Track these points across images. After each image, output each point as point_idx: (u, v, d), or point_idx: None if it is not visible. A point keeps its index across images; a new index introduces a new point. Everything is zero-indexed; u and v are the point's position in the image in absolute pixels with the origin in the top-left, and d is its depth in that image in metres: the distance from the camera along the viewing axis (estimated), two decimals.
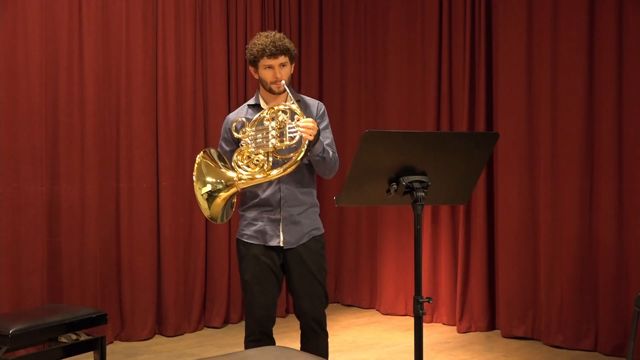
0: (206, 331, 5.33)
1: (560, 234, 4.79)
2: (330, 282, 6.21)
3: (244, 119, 3.12)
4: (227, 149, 3.23)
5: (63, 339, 3.63)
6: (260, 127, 3.04)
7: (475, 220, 5.25)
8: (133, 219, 5.02)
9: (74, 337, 3.65)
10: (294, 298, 3.29)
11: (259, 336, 3.25)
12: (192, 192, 5.36)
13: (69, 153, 4.74)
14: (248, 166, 3.07)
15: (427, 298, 2.55)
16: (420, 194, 2.53)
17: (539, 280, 4.93)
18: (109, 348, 4.67)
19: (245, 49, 3.28)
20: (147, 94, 5.09)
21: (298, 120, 2.99)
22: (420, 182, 2.55)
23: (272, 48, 3.13)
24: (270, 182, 3.16)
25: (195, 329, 5.29)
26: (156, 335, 5.15)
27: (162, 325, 5.17)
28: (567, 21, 4.75)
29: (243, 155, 3.07)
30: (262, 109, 3.17)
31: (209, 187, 3.09)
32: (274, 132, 3.00)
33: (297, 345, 4.81)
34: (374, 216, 5.91)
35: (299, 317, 3.30)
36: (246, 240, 3.24)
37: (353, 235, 6.09)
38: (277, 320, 5.59)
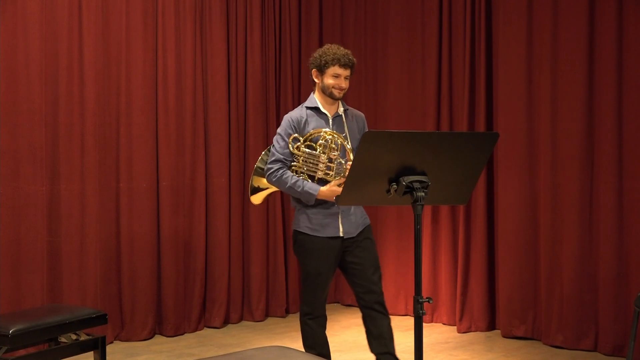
0: (206, 331, 5.33)
1: (560, 234, 4.79)
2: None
3: (299, 137, 3.54)
4: (282, 143, 3.57)
5: (63, 339, 3.63)
6: (313, 153, 3.53)
7: (475, 220, 5.25)
8: (133, 219, 5.02)
9: (74, 337, 3.65)
10: (358, 285, 3.61)
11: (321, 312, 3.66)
12: (192, 192, 5.43)
13: (69, 153, 4.74)
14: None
15: (427, 298, 2.56)
16: (420, 194, 2.54)
17: (539, 280, 4.93)
18: (109, 348, 4.67)
19: (311, 57, 3.65)
20: (147, 94, 5.09)
21: (348, 161, 3.52)
22: (420, 182, 2.55)
23: (346, 60, 3.57)
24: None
25: (195, 329, 5.29)
26: (156, 335, 5.15)
27: (162, 325, 5.17)
28: (567, 21, 4.75)
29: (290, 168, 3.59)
30: (322, 112, 3.62)
31: (260, 183, 3.75)
32: (322, 166, 3.52)
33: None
34: (374, 216, 5.90)
35: (365, 303, 3.60)
36: (309, 233, 3.58)
37: None
38: (277, 320, 5.64)
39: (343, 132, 3.62)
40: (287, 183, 3.54)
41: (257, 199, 3.84)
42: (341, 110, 3.67)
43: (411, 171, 2.56)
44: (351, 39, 6.11)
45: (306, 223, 3.59)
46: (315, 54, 3.64)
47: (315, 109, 3.63)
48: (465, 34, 5.30)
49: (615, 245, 4.55)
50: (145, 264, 5.06)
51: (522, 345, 4.88)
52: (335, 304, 6.16)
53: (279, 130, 3.63)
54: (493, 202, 5.23)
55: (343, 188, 2.65)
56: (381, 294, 3.63)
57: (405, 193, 2.56)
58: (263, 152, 3.75)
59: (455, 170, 2.66)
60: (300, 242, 3.63)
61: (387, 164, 2.53)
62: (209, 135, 5.42)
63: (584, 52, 4.67)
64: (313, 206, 3.57)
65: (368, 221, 3.71)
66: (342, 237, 3.58)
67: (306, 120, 3.59)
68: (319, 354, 3.60)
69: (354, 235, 3.60)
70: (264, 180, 3.69)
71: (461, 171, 2.68)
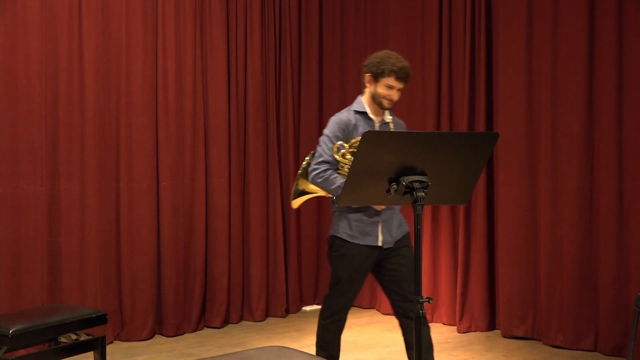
0: (206, 331, 5.33)
1: (560, 234, 4.79)
2: None
3: (344, 144, 3.45)
4: (331, 145, 3.50)
5: (63, 339, 3.63)
6: None
7: (475, 220, 5.25)
8: (133, 219, 5.02)
9: (74, 337, 3.65)
10: (395, 293, 3.54)
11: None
12: (192, 192, 5.42)
13: (69, 153, 4.74)
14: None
15: (427, 298, 2.56)
16: (420, 194, 2.53)
17: (539, 280, 4.93)
18: (109, 348, 4.67)
19: (369, 59, 3.53)
20: (147, 94, 5.09)
21: None
22: (420, 182, 2.54)
23: (404, 74, 3.46)
24: None
25: (195, 329, 5.29)
26: (156, 335, 5.15)
27: (162, 325, 5.17)
28: (567, 21, 4.75)
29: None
30: (369, 118, 3.53)
31: (305, 186, 3.69)
32: None
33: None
34: None
35: (402, 311, 3.52)
36: (348, 240, 3.50)
37: None
38: (277, 320, 5.64)
39: None
40: (334, 183, 3.43)
41: (297, 202, 3.77)
42: (388, 117, 3.58)
43: (411, 171, 2.55)
44: (351, 39, 6.11)
45: (345, 229, 3.50)
46: (373, 59, 3.51)
47: (364, 114, 3.54)
48: (465, 34, 5.30)
49: (615, 246, 4.55)
50: (145, 264, 5.06)
51: (522, 345, 4.88)
52: None
53: (326, 131, 3.55)
54: (493, 202, 5.23)
55: (343, 188, 2.64)
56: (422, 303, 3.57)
57: (405, 193, 2.56)
58: (307, 156, 3.68)
59: (455, 170, 2.66)
60: (337, 248, 3.54)
61: (387, 164, 2.53)
62: (209, 135, 5.42)
63: (584, 52, 4.67)
64: (355, 211, 3.48)
65: (407, 228, 3.62)
66: (381, 247, 3.50)
67: (355, 124, 3.51)
68: (329, 356, 3.58)
69: (392, 245, 3.52)
70: (311, 185, 3.61)
71: (461, 171, 2.67)
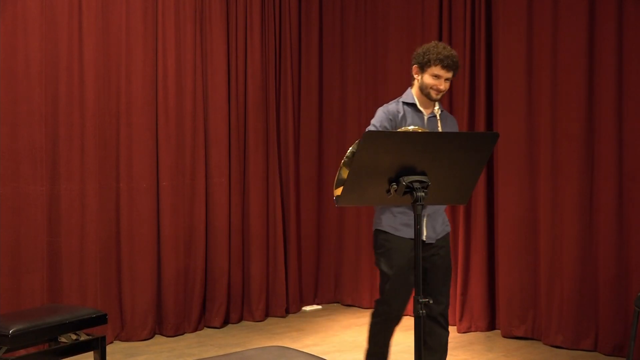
0: (206, 331, 5.33)
1: (560, 234, 4.79)
2: (330, 282, 6.21)
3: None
4: None
5: (63, 339, 3.63)
6: None
7: (475, 220, 5.25)
8: (133, 219, 5.02)
9: (74, 337, 3.65)
10: (425, 292, 3.41)
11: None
12: (192, 192, 5.42)
13: (69, 153, 4.74)
14: None
15: (427, 299, 2.55)
16: (420, 194, 2.53)
17: (539, 280, 4.93)
18: (109, 348, 4.67)
19: (416, 50, 3.46)
20: (147, 94, 5.09)
21: None
22: (420, 182, 2.55)
23: (450, 62, 3.37)
24: None
25: (195, 329, 5.29)
26: (156, 335, 5.15)
27: (162, 325, 5.17)
28: (567, 21, 4.75)
29: None
30: (418, 109, 3.46)
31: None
32: None
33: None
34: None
35: (428, 312, 3.35)
36: (392, 232, 3.41)
37: (353, 235, 6.09)
38: (277, 320, 5.64)
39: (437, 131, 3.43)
40: None
41: (339, 191, 3.66)
42: (437, 110, 3.51)
43: (411, 171, 2.55)
44: (351, 39, 6.11)
45: (389, 222, 3.43)
46: (420, 50, 3.45)
47: (412, 106, 3.48)
48: (465, 34, 5.30)
49: (615, 246, 4.55)
50: (145, 264, 5.06)
51: (522, 345, 4.88)
52: (335, 304, 6.16)
53: (373, 121, 3.48)
54: (493, 202, 5.23)
55: (343, 188, 2.64)
56: (447, 306, 3.50)
57: (405, 193, 2.56)
58: (352, 146, 3.54)
59: (455, 170, 2.66)
60: (381, 243, 3.46)
61: (387, 164, 2.53)
62: (209, 135, 5.42)
63: (584, 52, 4.67)
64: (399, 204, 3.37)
65: (449, 228, 3.57)
66: (424, 241, 3.41)
67: (404, 115, 3.43)
68: (380, 353, 3.49)
69: (433, 241, 3.45)
70: None
71: (461, 171, 2.68)
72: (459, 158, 2.63)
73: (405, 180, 2.53)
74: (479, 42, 5.24)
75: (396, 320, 3.47)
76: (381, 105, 5.66)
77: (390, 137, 2.59)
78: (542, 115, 4.89)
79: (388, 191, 2.59)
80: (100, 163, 4.88)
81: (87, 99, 4.81)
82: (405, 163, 2.54)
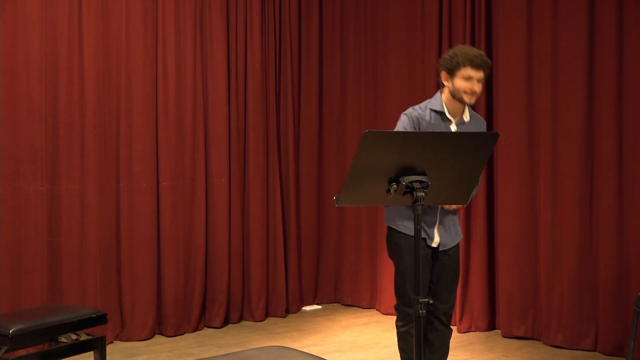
0: (206, 331, 5.33)
1: (560, 234, 4.79)
2: (330, 282, 6.21)
3: None
4: None
5: (63, 339, 3.63)
6: None
7: (475, 220, 5.25)
8: (133, 219, 5.02)
9: (74, 337, 3.65)
10: (430, 290, 3.42)
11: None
12: (192, 192, 5.43)
13: (69, 153, 4.74)
14: None
15: (427, 299, 2.55)
16: (420, 194, 2.53)
17: (539, 280, 4.93)
18: (109, 348, 4.67)
19: (442, 57, 3.36)
20: (147, 94, 5.08)
21: None
22: (420, 182, 2.55)
23: (480, 60, 3.24)
24: None
25: (195, 329, 5.29)
26: (156, 335, 5.15)
27: (162, 325, 5.17)
28: (567, 21, 4.75)
29: None
30: (447, 118, 3.34)
31: None
32: None
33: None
34: (374, 216, 5.91)
35: (431, 309, 3.40)
36: (402, 231, 3.37)
37: (353, 235, 6.09)
38: (277, 320, 5.63)
39: None
40: None
41: None
42: (467, 117, 3.38)
43: (411, 171, 2.55)
44: (351, 39, 6.11)
45: (402, 221, 3.38)
46: (446, 55, 3.33)
47: (441, 114, 3.35)
48: (465, 34, 5.30)
49: (615, 246, 4.55)
50: (145, 264, 5.06)
51: (522, 345, 4.88)
52: (335, 304, 6.16)
53: (398, 124, 3.40)
54: (493, 202, 5.23)
55: (343, 188, 2.64)
56: (451, 306, 3.48)
57: (405, 193, 2.56)
58: None
59: (455, 170, 2.66)
60: (394, 242, 3.41)
61: (387, 164, 2.53)
62: (209, 135, 5.41)
63: (584, 52, 4.67)
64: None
65: (461, 236, 3.52)
66: (436, 247, 3.40)
67: (429, 122, 3.32)
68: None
69: (449, 246, 3.43)
70: None
71: (461, 171, 2.68)
72: (459, 158, 2.63)
73: (405, 180, 2.53)
74: (479, 42, 5.23)
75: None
76: (381, 105, 5.63)
77: (390, 137, 2.59)
78: (542, 115, 4.89)
79: (388, 191, 2.59)
80: (100, 163, 4.88)
81: (87, 99, 4.81)
82: (405, 163, 2.54)
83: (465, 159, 2.64)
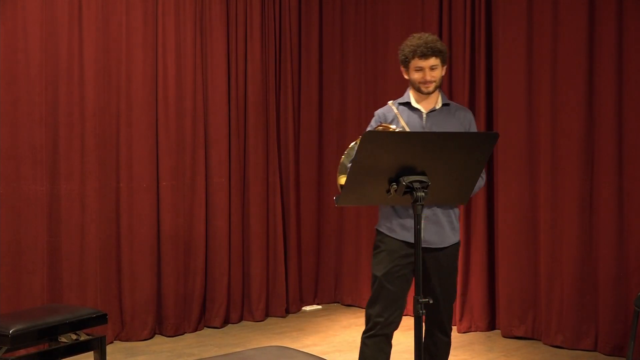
0: (206, 331, 5.33)
1: (560, 234, 4.79)
2: (330, 282, 6.21)
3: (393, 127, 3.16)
4: None
5: (63, 339, 3.63)
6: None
7: (475, 220, 5.25)
8: (133, 219, 5.02)
9: (74, 337, 3.65)
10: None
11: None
12: (192, 192, 5.43)
13: (69, 153, 4.74)
14: None
15: (427, 299, 2.55)
16: (420, 194, 2.54)
17: (539, 280, 4.93)
18: (109, 348, 4.67)
19: (398, 50, 3.32)
20: (147, 94, 5.09)
21: None
22: (420, 182, 2.55)
23: (424, 49, 3.18)
24: None
25: (195, 329, 5.29)
26: (156, 335, 5.15)
27: (162, 325, 5.17)
28: (567, 21, 4.75)
29: None
30: (413, 107, 3.29)
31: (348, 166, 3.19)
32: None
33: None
34: (374, 216, 5.90)
35: (430, 315, 3.27)
36: (386, 233, 3.24)
37: (353, 235, 6.09)
38: (277, 320, 5.63)
39: (439, 128, 3.23)
40: None
41: (344, 179, 3.30)
42: (439, 105, 3.29)
43: (411, 171, 2.56)
44: (351, 39, 6.11)
45: (386, 222, 3.24)
46: (399, 51, 3.30)
47: (407, 104, 3.31)
48: (465, 34, 5.30)
49: (615, 246, 4.55)
50: (145, 264, 5.06)
51: (522, 345, 4.89)
52: (335, 304, 6.16)
53: (370, 125, 3.36)
54: (493, 202, 5.23)
55: (343, 188, 2.64)
56: (449, 316, 3.34)
57: (405, 193, 2.56)
58: (349, 146, 3.31)
59: (455, 170, 2.66)
60: (376, 244, 3.28)
61: (387, 164, 2.53)
62: (209, 135, 5.42)
63: (584, 53, 4.68)
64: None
65: (458, 238, 3.31)
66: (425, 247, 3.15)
67: (395, 116, 3.25)
68: None
69: (437, 246, 3.20)
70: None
71: (461, 171, 2.68)
72: (458, 158, 2.63)
73: (405, 180, 2.54)
74: (479, 42, 5.24)
75: (382, 338, 3.23)
76: (381, 105, 5.67)
77: (390, 137, 2.59)
78: (542, 115, 4.89)
79: (388, 191, 2.59)
80: (100, 163, 4.88)
81: (87, 99, 4.81)
82: (405, 163, 2.54)
83: (465, 159, 2.64)
